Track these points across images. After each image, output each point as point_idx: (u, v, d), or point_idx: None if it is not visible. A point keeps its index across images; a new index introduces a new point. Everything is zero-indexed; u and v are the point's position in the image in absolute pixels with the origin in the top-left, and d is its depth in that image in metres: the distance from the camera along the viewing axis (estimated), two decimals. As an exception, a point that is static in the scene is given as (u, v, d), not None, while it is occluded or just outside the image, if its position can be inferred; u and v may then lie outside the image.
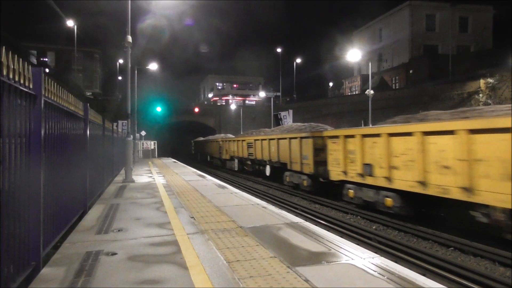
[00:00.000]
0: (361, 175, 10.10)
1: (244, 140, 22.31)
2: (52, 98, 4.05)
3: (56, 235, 4.33)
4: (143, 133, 36.83)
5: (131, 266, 3.73)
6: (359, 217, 10.41)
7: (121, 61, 47.42)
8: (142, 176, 14.13)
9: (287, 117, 29.70)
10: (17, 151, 3.03)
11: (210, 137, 36.65)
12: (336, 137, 11.52)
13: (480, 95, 32.80)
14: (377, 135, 9.48)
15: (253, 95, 72.04)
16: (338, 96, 55.59)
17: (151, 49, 64.35)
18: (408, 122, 9.20)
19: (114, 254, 4.12)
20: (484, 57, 39.15)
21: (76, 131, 5.63)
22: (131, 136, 12.85)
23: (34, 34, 52.43)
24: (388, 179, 9.04)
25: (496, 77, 32.26)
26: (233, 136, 29.38)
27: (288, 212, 8.48)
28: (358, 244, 5.41)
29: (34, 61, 49.00)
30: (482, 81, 32.98)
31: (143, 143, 38.05)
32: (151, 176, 13.99)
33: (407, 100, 37.18)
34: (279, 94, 58.02)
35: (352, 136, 10.69)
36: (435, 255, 6.90)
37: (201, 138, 41.22)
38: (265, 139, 18.45)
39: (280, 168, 16.75)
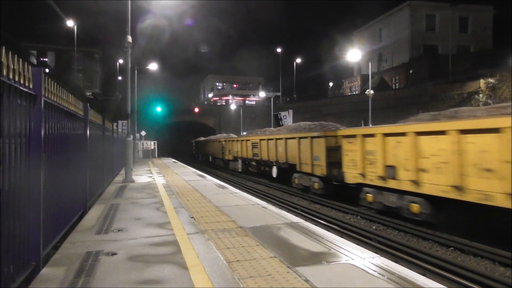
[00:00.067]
0: (382, 178, 9.29)
1: (248, 140, 21.44)
2: (52, 98, 4.05)
3: (56, 235, 4.33)
4: (143, 133, 36.84)
5: (131, 266, 3.73)
6: (359, 217, 10.41)
7: (121, 61, 47.47)
8: (142, 176, 14.13)
9: (287, 117, 29.69)
10: (17, 151, 3.03)
11: (212, 137, 36.02)
12: (353, 136, 10.59)
13: (480, 95, 32.80)
14: (402, 134, 8.61)
15: (253, 95, 72.06)
16: (338, 96, 55.59)
17: (151, 49, 64.34)
18: (437, 120, 8.30)
19: (114, 254, 4.12)
20: (484, 57, 39.15)
21: (76, 131, 5.63)
22: (131, 136, 12.85)
23: (34, 34, 52.49)
24: (415, 182, 8.17)
25: (497, 77, 32.27)
26: (236, 136, 28.65)
27: (288, 212, 8.48)
28: (358, 244, 5.40)
29: (34, 61, 48.97)
30: (482, 81, 32.98)
31: (143, 143, 38.05)
32: (151, 176, 13.99)
33: (407, 100, 37.19)
34: (279, 94, 58.04)
35: (371, 135, 9.77)
36: (435, 255, 6.90)
37: (202, 138, 40.69)
38: (271, 139, 17.48)
39: (288, 170, 15.85)
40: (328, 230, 6.40)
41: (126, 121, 15.39)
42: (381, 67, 52.88)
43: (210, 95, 77.43)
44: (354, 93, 51.81)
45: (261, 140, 19.01)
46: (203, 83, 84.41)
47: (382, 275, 3.45)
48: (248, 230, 5.23)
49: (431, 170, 7.81)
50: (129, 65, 12.98)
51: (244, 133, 37.31)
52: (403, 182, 8.63)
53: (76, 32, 45.60)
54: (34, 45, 53.56)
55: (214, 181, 12.31)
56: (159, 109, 42.10)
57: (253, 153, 20.37)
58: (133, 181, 11.80)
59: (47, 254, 3.93)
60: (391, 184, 9.06)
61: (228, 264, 3.77)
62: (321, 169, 12.63)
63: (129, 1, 12.57)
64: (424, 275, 4.55)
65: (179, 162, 26.41)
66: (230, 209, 6.91)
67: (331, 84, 67.42)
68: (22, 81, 3.14)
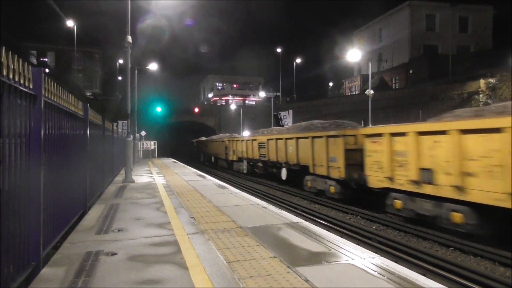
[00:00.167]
0: (415, 183, 8.26)
1: (255, 140, 20.17)
2: (52, 98, 4.06)
3: (56, 235, 4.33)
4: (143, 133, 36.84)
5: (131, 266, 3.73)
6: (359, 217, 10.41)
7: (121, 61, 47.47)
8: (142, 176, 14.13)
9: (287, 117, 29.70)
10: (17, 151, 3.03)
11: (214, 137, 35.31)
12: (378, 135, 9.55)
13: (480, 95, 32.81)
14: (442, 133, 7.59)
15: (253, 95, 72.07)
16: (338, 96, 55.62)
17: (151, 49, 64.36)
18: (481, 116, 7.28)
19: (114, 254, 4.12)
20: (484, 57, 39.16)
21: (76, 131, 5.63)
22: (131, 136, 12.86)
23: (34, 34, 52.47)
24: (459, 188, 7.15)
25: (497, 77, 32.28)
26: (239, 136, 27.73)
27: (288, 212, 8.48)
28: (358, 244, 5.40)
29: (34, 61, 49.02)
30: (482, 81, 33.00)
31: (143, 143, 38.04)
32: (151, 176, 13.99)
33: (407, 100, 37.21)
34: (279, 94, 58.05)
35: (401, 134, 8.74)
36: (435, 255, 6.90)
37: (204, 138, 40.22)
38: (280, 139, 16.29)
39: (299, 172, 14.71)
40: (328, 230, 6.40)
41: (126, 121, 15.39)
42: (381, 67, 52.89)
43: (210, 95, 77.46)
44: (354, 93, 51.83)
45: (269, 140, 17.86)
46: (203, 83, 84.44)
47: (382, 275, 3.45)
48: (248, 230, 5.23)
49: (481, 174, 6.79)
50: (129, 65, 12.99)
51: (244, 133, 37.24)
52: (443, 188, 7.56)
53: (76, 32, 45.66)
54: (34, 45, 53.59)
55: (214, 181, 12.31)
56: (159, 109, 42.09)
57: (260, 154, 19.23)
58: (133, 181, 11.81)
59: (47, 254, 3.93)
60: (427, 189, 7.98)
61: (228, 264, 3.77)
62: (338, 171, 11.55)
63: (129, 1, 12.57)
64: (424, 275, 4.55)
65: (179, 162, 26.41)
66: (230, 209, 6.91)
67: (331, 84, 67.47)
68: (22, 81, 3.14)
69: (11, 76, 2.89)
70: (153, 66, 30.34)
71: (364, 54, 46.91)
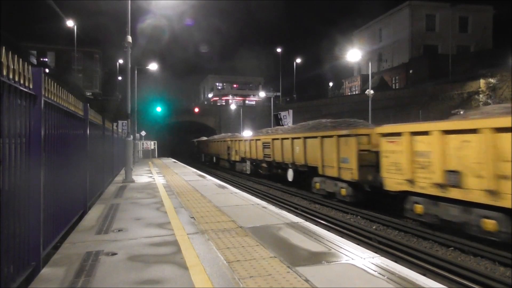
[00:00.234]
0: (440, 186, 7.64)
1: (259, 140, 19.42)
2: (52, 98, 4.06)
3: (56, 235, 4.33)
4: (143, 133, 36.85)
5: (131, 266, 3.73)
6: (359, 217, 10.41)
7: (121, 61, 47.48)
8: (142, 176, 14.13)
9: (287, 117, 29.69)
10: (17, 151, 3.03)
11: (216, 137, 34.84)
12: (397, 134, 8.92)
13: (481, 95, 32.81)
14: (472, 131, 6.97)
15: (253, 95, 72.05)
16: (338, 96, 55.62)
17: (151, 49, 64.43)
18: None
19: (114, 254, 4.12)
20: (484, 57, 39.18)
21: (76, 131, 5.63)
22: (131, 136, 12.86)
23: (34, 34, 52.48)
24: (493, 193, 6.55)
25: (497, 77, 32.29)
26: (242, 136, 27.14)
27: (288, 212, 8.48)
28: (358, 244, 5.40)
29: (34, 61, 49.00)
30: (482, 81, 33.01)
31: (143, 143, 38.05)
32: (151, 176, 13.99)
33: (407, 100, 37.23)
34: (279, 94, 58.03)
35: (424, 133, 8.12)
36: (435, 255, 6.90)
37: (205, 138, 39.97)
38: (286, 138, 15.59)
39: (306, 173, 14.17)
40: (328, 230, 6.40)
41: (126, 121, 15.39)
42: (381, 67, 52.90)
43: (210, 95, 77.45)
44: (354, 93, 51.83)
45: (274, 139, 17.12)
46: (203, 83, 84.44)
47: (382, 275, 3.45)
48: (248, 230, 5.23)
49: None
50: (129, 65, 12.99)
51: (245, 133, 37.21)
52: (473, 192, 6.95)
53: (76, 32, 45.66)
54: (34, 45, 53.57)
55: (214, 181, 12.31)
56: (159, 109, 42.09)
57: (264, 154, 18.51)
58: (133, 181, 11.81)
59: (47, 254, 3.93)
60: (453, 193, 7.36)
61: (228, 264, 3.77)
62: (351, 173, 10.90)
63: (129, 1, 12.57)
64: (424, 275, 4.55)
65: (179, 162, 26.41)
66: (230, 209, 6.91)
67: (331, 84, 67.47)
68: (22, 81, 3.14)
69: (11, 76, 2.89)
70: (153, 66, 30.35)
71: (364, 54, 46.92)
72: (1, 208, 2.64)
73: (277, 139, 16.65)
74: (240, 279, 3.36)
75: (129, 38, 12.51)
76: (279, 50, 54.59)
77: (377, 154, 10.00)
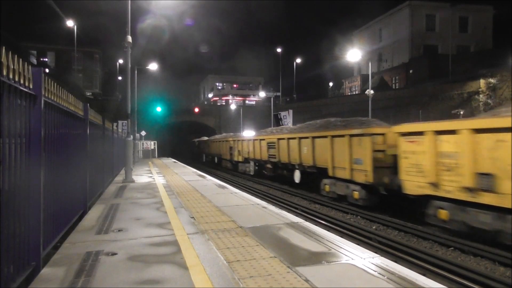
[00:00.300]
0: (469, 190, 7.01)
1: (263, 140, 18.72)
2: (52, 98, 4.05)
3: (56, 235, 4.33)
4: (143, 133, 36.85)
5: (131, 266, 3.73)
6: (359, 217, 10.41)
7: (121, 61, 47.48)
8: (142, 176, 14.13)
9: (287, 117, 29.72)
10: (17, 151, 3.03)
11: (218, 136, 34.43)
12: (418, 133, 8.34)
13: (481, 95, 32.81)
14: (508, 130, 6.27)
15: (253, 95, 72.05)
16: (338, 96, 55.60)
17: (151, 49, 64.47)
18: None
19: (114, 254, 4.12)
20: (484, 57, 39.18)
21: (76, 131, 5.63)
22: (131, 136, 12.86)
23: (34, 34, 52.54)
24: None
25: (497, 77, 32.28)
26: (244, 135, 26.49)
27: (288, 212, 8.48)
28: (358, 244, 5.41)
29: (34, 61, 49.02)
30: (482, 81, 32.99)
31: (143, 143, 38.06)
32: (151, 176, 13.99)
33: (407, 100, 37.21)
34: (279, 94, 58.03)
35: (451, 132, 7.48)
36: (435, 255, 6.91)
37: (206, 138, 39.76)
38: (293, 138, 14.95)
39: (314, 174, 13.65)
40: (328, 230, 6.40)
41: (126, 121, 15.39)
42: (381, 67, 52.89)
43: (210, 95, 77.45)
44: (354, 93, 51.82)
45: (279, 139, 16.47)
46: (203, 83, 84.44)
47: (382, 275, 3.45)
48: (248, 230, 5.23)
49: None
50: (129, 65, 12.99)
51: (245, 133, 37.19)
52: (508, 197, 6.28)
53: (76, 32, 45.66)
54: (34, 45, 53.60)
55: (214, 181, 12.32)
56: (159, 109, 42.11)
57: (269, 155, 17.85)
58: (133, 181, 11.81)
59: (47, 254, 3.93)
60: (486, 199, 6.72)
61: (228, 264, 3.77)
62: (365, 174, 10.29)
63: (129, 1, 12.57)
64: (424, 275, 4.55)
65: (179, 162, 26.40)
66: (230, 209, 6.91)
67: (331, 84, 67.47)
68: (22, 81, 3.14)
69: (11, 76, 2.89)
70: (153, 66, 30.36)
71: (364, 54, 46.90)
72: (1, 208, 2.64)
73: (283, 138, 16.10)
74: (240, 279, 3.36)
75: (129, 38, 12.51)
76: (279, 50, 54.67)
77: (394, 154, 9.53)
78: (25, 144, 3.24)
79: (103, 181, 9.58)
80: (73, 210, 5.49)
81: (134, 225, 5.56)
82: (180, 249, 4.31)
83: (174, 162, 27.02)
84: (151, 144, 39.17)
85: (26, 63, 3.24)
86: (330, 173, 12.17)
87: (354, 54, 29.39)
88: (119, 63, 51.08)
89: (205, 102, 74.37)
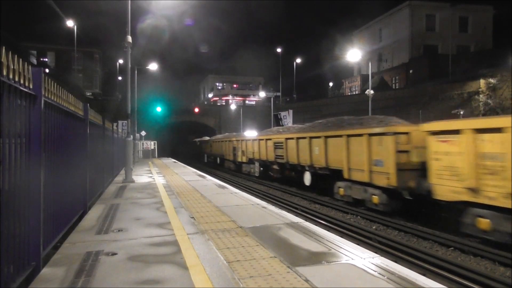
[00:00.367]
0: None
1: (269, 139, 17.79)
2: (52, 98, 4.06)
3: (56, 235, 4.33)
4: (143, 133, 36.85)
5: (131, 266, 3.73)
6: (359, 217, 10.41)
7: (121, 61, 47.46)
8: (142, 176, 14.13)
9: (287, 117, 29.73)
10: (17, 151, 3.03)
11: (220, 136, 33.94)
12: (453, 132, 7.46)
13: (481, 95, 32.81)
14: None
15: (253, 95, 72.06)
16: (338, 96, 55.60)
17: (151, 49, 64.48)
18: None
19: (114, 254, 4.12)
20: (484, 57, 39.19)
21: (76, 131, 5.63)
22: (131, 136, 12.86)
23: (34, 34, 52.61)
24: None
25: (497, 77, 32.28)
26: (247, 136, 25.57)
27: (288, 212, 8.48)
28: (358, 244, 5.41)
29: (34, 61, 49.01)
30: (482, 81, 33.00)
31: (143, 143, 38.05)
32: (151, 176, 13.99)
33: (407, 100, 37.22)
34: (279, 94, 58.04)
35: (495, 130, 6.58)
36: (435, 255, 6.90)
37: (207, 138, 39.42)
38: (303, 137, 13.99)
39: (327, 176, 12.78)
40: (328, 230, 6.40)
41: (126, 121, 15.39)
42: (381, 67, 52.89)
43: (210, 95, 77.46)
44: (354, 93, 51.82)
45: (287, 139, 15.57)
46: (203, 83, 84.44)
47: (382, 275, 3.45)
48: (248, 230, 5.23)
49: None
50: (129, 65, 12.99)
51: (245, 133, 37.14)
52: None
53: (76, 32, 45.66)
54: (34, 45, 53.61)
55: (214, 181, 12.32)
56: (159, 109, 42.10)
57: (276, 155, 16.91)
58: (133, 181, 11.81)
59: (47, 254, 3.93)
60: None
61: (228, 264, 3.77)
62: (386, 177, 9.40)
63: (129, 1, 12.57)
64: (424, 275, 4.55)
65: (179, 162, 26.40)
66: (230, 209, 6.91)
67: (331, 84, 67.46)
68: (22, 81, 3.14)
69: (11, 76, 2.89)
70: (153, 66, 30.36)
71: (364, 54, 46.90)
72: (1, 208, 2.64)
73: (292, 138, 15.09)
74: (240, 279, 3.36)
75: (129, 38, 12.51)
76: (279, 50, 54.64)
77: (418, 155, 8.89)
78: (25, 144, 3.24)
79: (103, 181, 9.58)
80: (73, 210, 5.49)
81: (134, 225, 5.56)
82: (180, 249, 4.31)
83: (174, 162, 27.02)
84: (151, 144, 39.18)
85: (26, 63, 3.24)
86: (346, 175, 11.28)
87: (354, 54, 29.38)
88: (119, 63, 51.08)
89: (205, 102, 74.38)
